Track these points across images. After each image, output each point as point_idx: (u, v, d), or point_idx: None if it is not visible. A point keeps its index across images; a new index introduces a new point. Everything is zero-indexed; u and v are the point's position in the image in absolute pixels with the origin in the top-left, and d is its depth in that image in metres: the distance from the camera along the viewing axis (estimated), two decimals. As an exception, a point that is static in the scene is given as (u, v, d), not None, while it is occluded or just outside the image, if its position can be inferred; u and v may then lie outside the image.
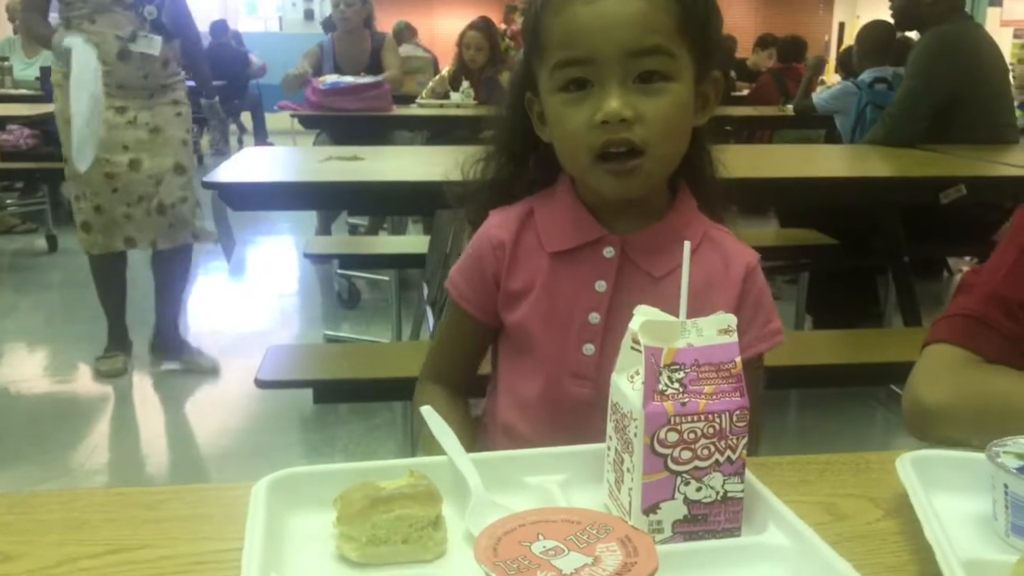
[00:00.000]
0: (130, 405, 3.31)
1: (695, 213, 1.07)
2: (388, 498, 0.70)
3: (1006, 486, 0.71)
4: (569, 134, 0.98)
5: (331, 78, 4.53)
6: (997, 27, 12.28)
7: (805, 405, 3.29)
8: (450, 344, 1.18)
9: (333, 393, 2.33)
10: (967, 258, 4.58)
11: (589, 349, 1.04)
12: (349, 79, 4.53)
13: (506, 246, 1.07)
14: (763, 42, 7.89)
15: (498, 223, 1.09)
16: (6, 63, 6.41)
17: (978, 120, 3.40)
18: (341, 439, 2.92)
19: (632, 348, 0.74)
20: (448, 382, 1.16)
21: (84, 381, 3.53)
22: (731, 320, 0.72)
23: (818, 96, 4.54)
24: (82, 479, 2.64)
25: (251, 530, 0.68)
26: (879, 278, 3.77)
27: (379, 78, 4.64)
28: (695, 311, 0.75)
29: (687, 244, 0.76)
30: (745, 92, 7.12)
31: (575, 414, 1.05)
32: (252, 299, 4.64)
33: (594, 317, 1.04)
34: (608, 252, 1.04)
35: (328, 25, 5.21)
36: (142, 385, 3.55)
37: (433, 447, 0.86)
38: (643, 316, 0.73)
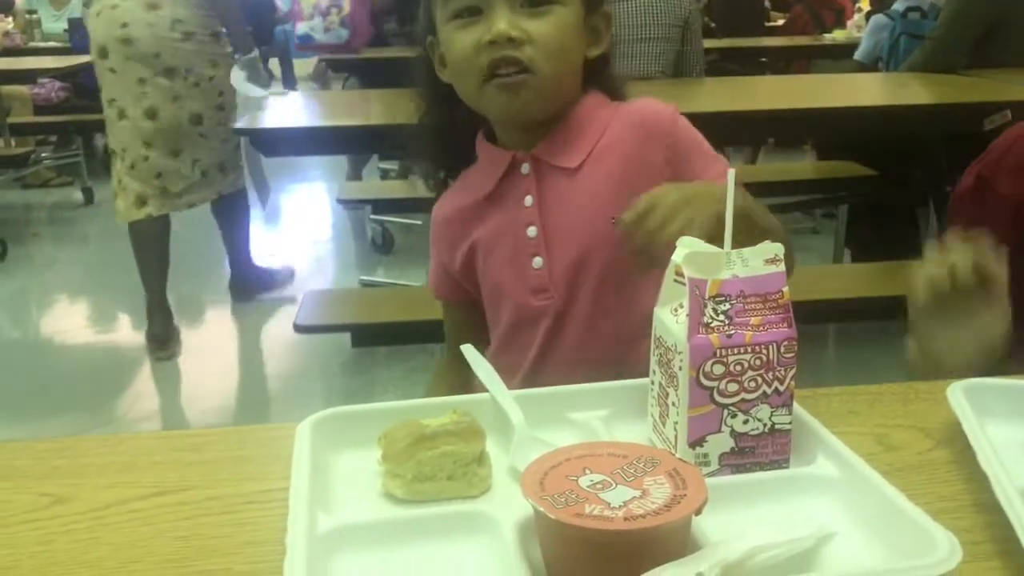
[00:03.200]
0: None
1: (603, 103, 1.10)
2: (432, 435, 0.69)
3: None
4: (460, 58, 1.02)
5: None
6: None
7: (845, 339, 3.26)
8: (454, 335, 1.23)
9: (371, 337, 2.35)
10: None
11: (538, 262, 1.08)
12: None
13: (452, 220, 1.14)
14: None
15: (440, 204, 1.16)
16: (34, 16, 6.42)
17: (1019, 44, 3.29)
18: (380, 382, 2.94)
19: (675, 280, 0.72)
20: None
21: (125, 331, 3.58)
22: (778, 249, 0.70)
23: (859, 50, 4.41)
24: (128, 426, 2.69)
25: (297, 469, 0.68)
26: (920, 210, 3.69)
27: None
28: (632, 167, 0.90)
29: (731, 173, 0.73)
30: (780, 22, 6.94)
31: (548, 330, 1.09)
32: (287, 245, 4.66)
33: (532, 231, 1.08)
34: (524, 168, 1.08)
35: None
36: (180, 332, 3.59)
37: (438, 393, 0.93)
38: (686, 248, 0.71)
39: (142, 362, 3.22)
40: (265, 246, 4.69)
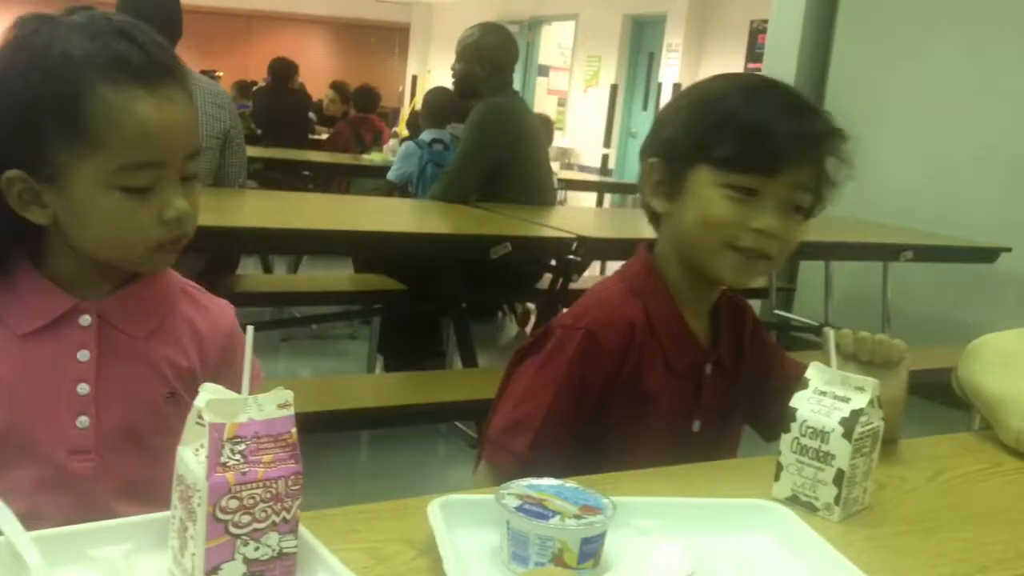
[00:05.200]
0: None
1: (168, 272, 1.12)
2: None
3: (508, 522, 0.88)
4: (129, 231, 1.00)
5: None
6: (545, 94, 13.92)
7: (377, 445, 3.48)
8: None
9: None
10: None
11: (83, 421, 1.04)
12: None
13: None
14: (339, 90, 8.15)
15: None
16: None
17: (523, 183, 3.86)
18: None
19: (197, 423, 0.80)
20: None
21: None
22: (288, 395, 0.81)
23: (391, 171, 4.85)
24: None
25: None
26: (443, 319, 4.12)
27: None
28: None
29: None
30: (324, 136, 7.33)
31: (82, 490, 1.04)
32: None
33: (83, 388, 1.04)
34: (84, 320, 1.04)
35: None
36: None
37: None
38: (209, 394, 0.80)
39: None
40: None
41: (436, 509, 0.92)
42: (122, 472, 1.06)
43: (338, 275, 4.63)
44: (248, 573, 0.79)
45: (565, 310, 1.42)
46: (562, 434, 1.27)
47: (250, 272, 4.74)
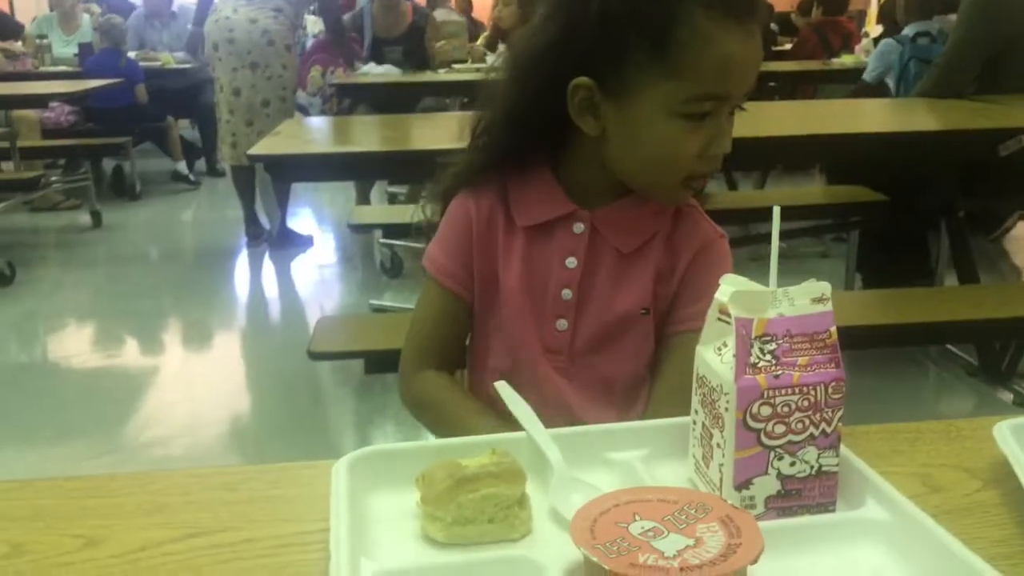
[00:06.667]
0: (179, 378, 3.34)
1: None
2: (473, 477, 0.68)
3: None
4: (676, 158, 0.97)
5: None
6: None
7: (856, 366, 3.24)
8: (435, 326, 1.13)
9: (384, 363, 2.32)
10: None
11: (562, 324, 1.06)
12: None
13: (486, 220, 1.08)
14: (805, 7, 7.62)
15: (475, 198, 1.09)
16: (44, 40, 6.44)
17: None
18: (391, 407, 2.92)
19: (719, 319, 0.71)
20: (440, 367, 1.12)
21: (132, 355, 3.58)
22: (825, 288, 0.69)
23: (866, 72, 4.41)
24: (136, 452, 2.67)
25: (335, 512, 0.67)
26: (931, 234, 3.69)
27: None
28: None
29: (776, 210, 0.72)
30: (787, 46, 6.96)
31: (543, 390, 1.04)
32: (296, 269, 4.66)
33: (566, 293, 1.05)
34: (578, 228, 1.05)
35: None
36: (188, 358, 3.59)
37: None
38: (732, 286, 0.70)
39: (151, 387, 3.21)
40: (275, 270, 4.71)
41: (1006, 433, 0.74)
42: (588, 375, 1.07)
43: (809, 188, 4.37)
44: (783, 491, 0.68)
45: None
46: None
47: (712, 190, 4.66)
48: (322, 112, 4.91)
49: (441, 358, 1.13)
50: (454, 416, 1.07)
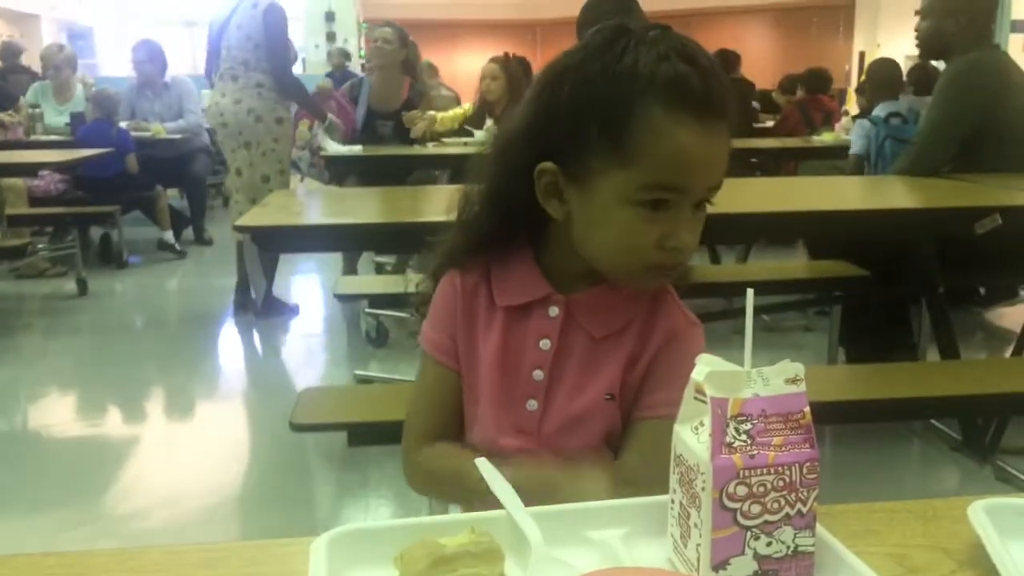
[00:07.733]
0: (161, 449, 3.31)
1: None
2: (452, 556, 0.68)
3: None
4: (633, 247, 0.99)
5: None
6: (1019, 53, 12.27)
7: (839, 442, 3.24)
8: (433, 402, 1.15)
9: (368, 436, 2.31)
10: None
11: (532, 404, 1.08)
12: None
13: (470, 297, 1.11)
14: (786, 87, 7.80)
15: (462, 275, 1.12)
16: (37, 110, 6.51)
17: (1007, 148, 3.36)
18: (374, 479, 2.90)
19: (695, 399, 0.72)
20: (444, 440, 1.14)
21: (113, 425, 3.55)
22: (798, 369, 0.70)
23: (852, 148, 4.50)
24: (115, 523, 2.64)
25: (313, 591, 0.67)
26: (912, 308, 3.72)
27: None
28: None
29: (750, 292, 0.74)
30: (769, 124, 7.11)
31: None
32: (282, 339, 4.66)
33: (538, 374, 1.08)
34: (553, 311, 1.07)
35: None
36: (170, 428, 3.56)
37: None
38: (707, 366, 0.71)
39: (131, 457, 3.17)
40: (260, 339, 4.70)
41: (980, 514, 0.74)
42: (555, 454, 1.07)
43: (791, 263, 4.42)
44: (760, 571, 0.69)
45: None
46: None
47: (697, 263, 4.70)
48: (311, 166, 4.96)
49: (444, 431, 1.14)
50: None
